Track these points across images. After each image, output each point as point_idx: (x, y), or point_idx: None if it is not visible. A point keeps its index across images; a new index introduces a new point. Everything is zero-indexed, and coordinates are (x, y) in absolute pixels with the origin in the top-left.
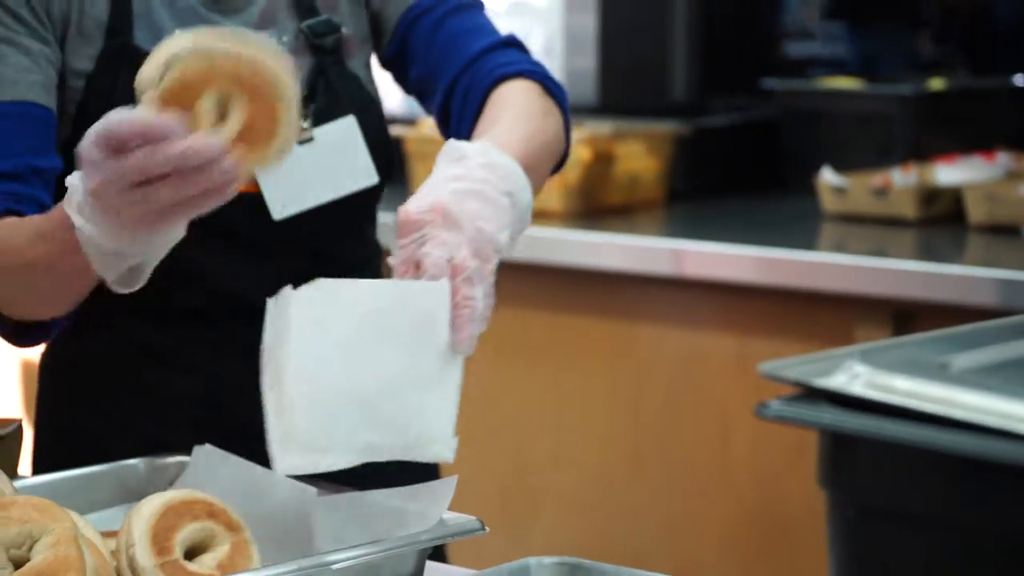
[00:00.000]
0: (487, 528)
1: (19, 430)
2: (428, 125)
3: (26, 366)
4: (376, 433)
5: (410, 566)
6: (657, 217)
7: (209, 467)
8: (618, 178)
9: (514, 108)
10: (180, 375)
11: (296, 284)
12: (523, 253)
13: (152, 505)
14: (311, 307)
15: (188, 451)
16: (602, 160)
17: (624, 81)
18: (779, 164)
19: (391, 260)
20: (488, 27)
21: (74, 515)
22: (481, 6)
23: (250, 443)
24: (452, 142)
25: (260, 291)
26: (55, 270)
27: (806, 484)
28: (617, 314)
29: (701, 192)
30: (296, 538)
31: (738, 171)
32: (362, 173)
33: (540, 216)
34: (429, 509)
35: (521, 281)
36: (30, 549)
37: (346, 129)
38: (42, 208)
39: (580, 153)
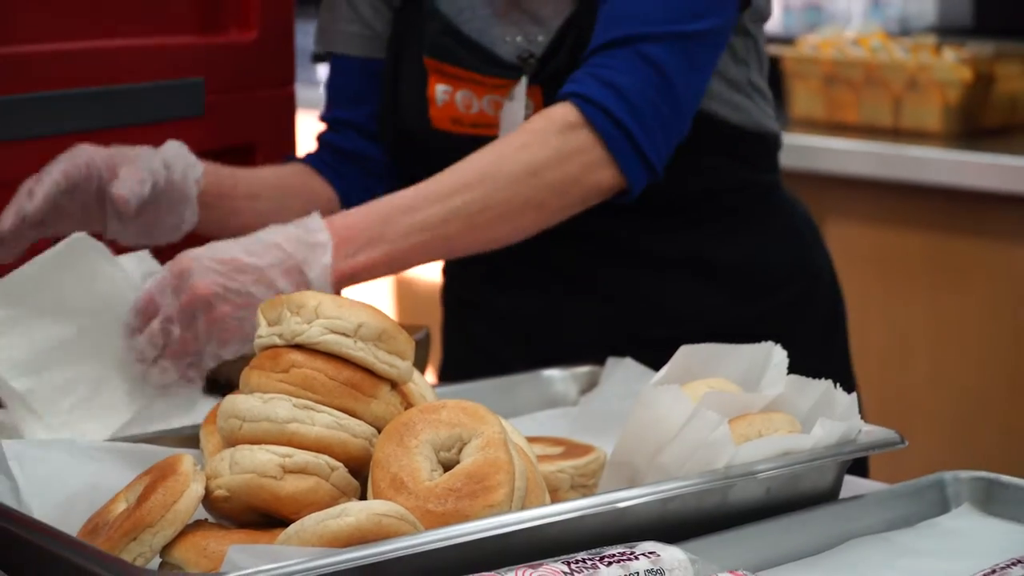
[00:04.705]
0: (906, 441)
1: (427, 337)
2: (807, 44)
3: (399, 283)
4: None
5: (830, 478)
6: None
7: (623, 377)
8: (997, 99)
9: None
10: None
11: None
12: (902, 173)
13: None
14: None
15: (601, 361)
16: (982, 81)
17: (1001, 1)
18: None
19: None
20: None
21: (501, 419)
22: None
23: None
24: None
25: None
26: None
27: None
28: (994, 235)
29: None
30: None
31: None
32: None
33: (919, 136)
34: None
35: (899, 201)
36: (459, 452)
37: None
38: (337, 153)
39: (960, 74)
